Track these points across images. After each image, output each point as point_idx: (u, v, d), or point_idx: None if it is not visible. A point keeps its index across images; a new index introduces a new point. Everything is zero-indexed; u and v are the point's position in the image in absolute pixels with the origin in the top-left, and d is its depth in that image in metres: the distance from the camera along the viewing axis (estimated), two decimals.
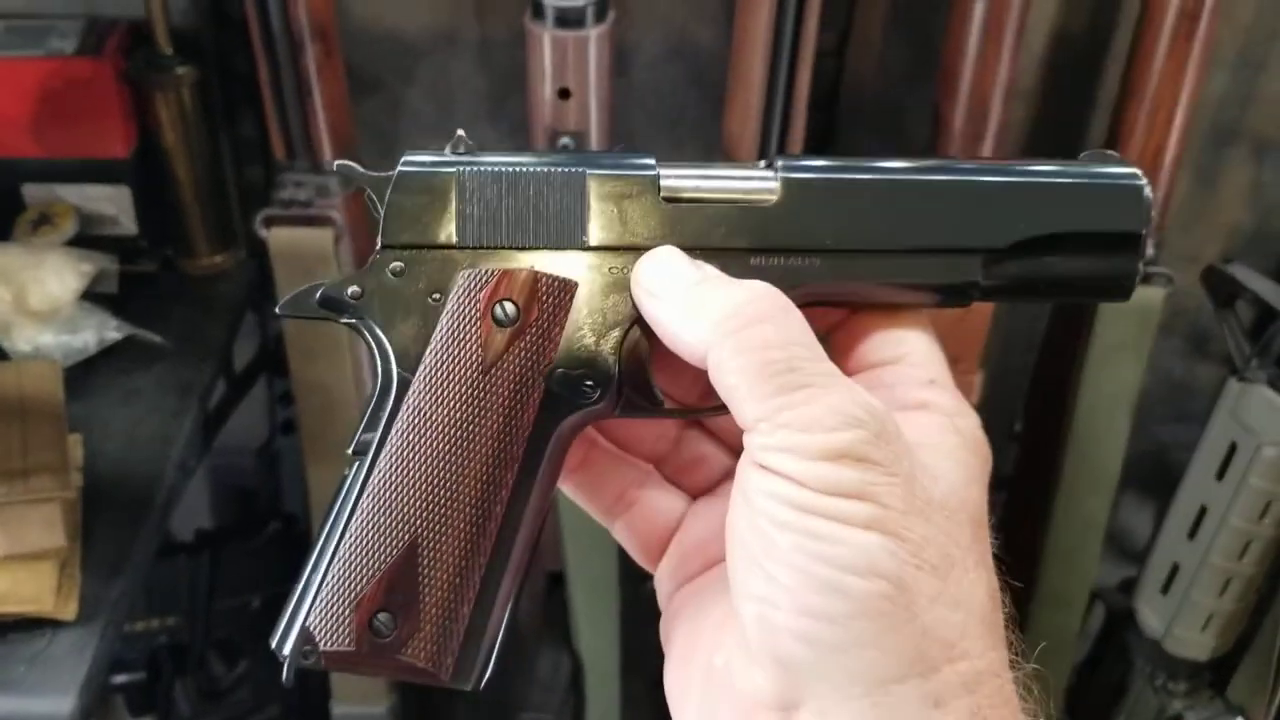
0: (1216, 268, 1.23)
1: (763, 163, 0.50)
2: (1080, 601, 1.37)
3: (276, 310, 0.50)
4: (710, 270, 0.47)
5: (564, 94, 1.07)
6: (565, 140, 1.10)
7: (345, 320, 0.49)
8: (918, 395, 0.47)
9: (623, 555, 0.55)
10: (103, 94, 1.20)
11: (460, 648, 0.45)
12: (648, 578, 0.54)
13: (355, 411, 1.17)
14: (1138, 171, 0.50)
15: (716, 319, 0.44)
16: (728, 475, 0.53)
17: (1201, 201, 1.34)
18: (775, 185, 0.49)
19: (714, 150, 1.21)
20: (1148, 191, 0.49)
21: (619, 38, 1.21)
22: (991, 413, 0.63)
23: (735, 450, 0.52)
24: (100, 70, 1.19)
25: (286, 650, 0.45)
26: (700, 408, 0.51)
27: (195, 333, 1.25)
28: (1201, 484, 1.23)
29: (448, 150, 0.49)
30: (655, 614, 0.53)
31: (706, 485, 0.54)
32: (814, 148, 1.22)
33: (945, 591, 0.41)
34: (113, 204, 1.27)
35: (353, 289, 0.48)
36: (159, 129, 1.23)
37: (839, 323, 0.51)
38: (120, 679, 1.42)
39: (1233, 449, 1.19)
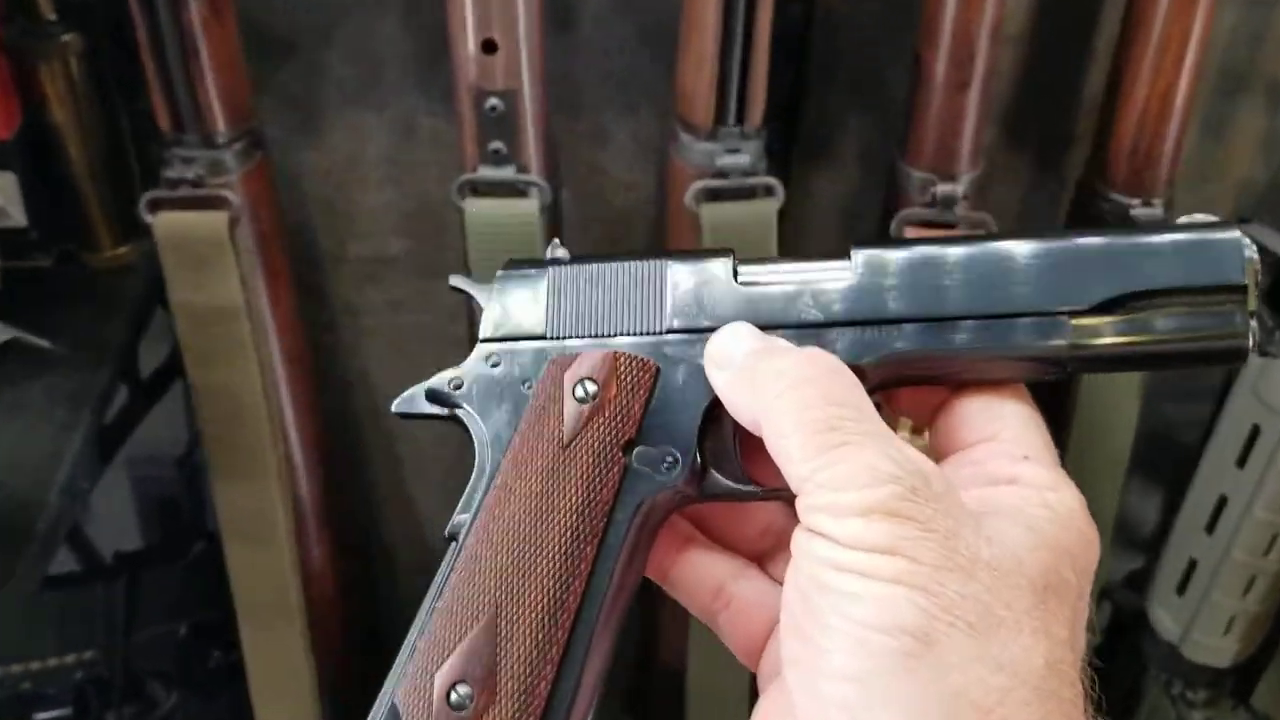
0: None
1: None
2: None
3: (392, 410, 0.54)
4: (778, 342, 0.49)
5: (489, 47, 0.96)
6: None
7: (449, 414, 0.52)
8: (1009, 470, 0.47)
9: None
10: None
11: None
12: None
13: (266, 420, 1.04)
14: (1234, 226, 0.49)
15: (765, 385, 0.46)
16: None
17: (1211, 155, 1.25)
18: (850, 264, 0.50)
19: (668, 114, 1.11)
20: (1248, 247, 0.48)
21: None
22: None
23: None
24: None
25: None
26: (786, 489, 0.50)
27: (92, 335, 1.13)
28: (1220, 471, 1.13)
29: (546, 255, 0.54)
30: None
31: None
32: (783, 106, 1.12)
33: (986, 653, 0.40)
34: None
35: (453, 379, 0.52)
36: (46, 105, 1.11)
37: (940, 404, 0.51)
38: (42, 717, 1.33)
39: (1255, 432, 1.09)
